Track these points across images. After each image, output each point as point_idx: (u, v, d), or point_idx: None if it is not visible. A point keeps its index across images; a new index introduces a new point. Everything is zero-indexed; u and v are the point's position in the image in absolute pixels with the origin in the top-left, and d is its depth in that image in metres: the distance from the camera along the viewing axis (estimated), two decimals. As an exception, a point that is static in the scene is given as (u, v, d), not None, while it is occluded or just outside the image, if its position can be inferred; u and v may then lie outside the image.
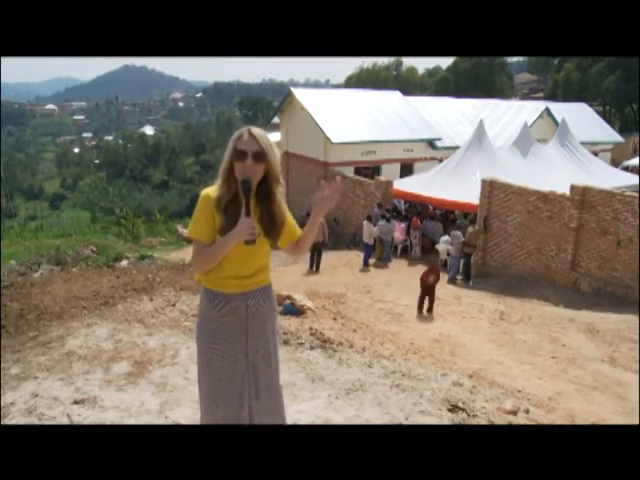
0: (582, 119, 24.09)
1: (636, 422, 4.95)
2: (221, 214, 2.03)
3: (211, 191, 2.07)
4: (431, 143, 19.67)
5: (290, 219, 2.21)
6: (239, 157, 2.02)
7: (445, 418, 3.21)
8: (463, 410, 3.38)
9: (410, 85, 46.71)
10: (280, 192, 2.16)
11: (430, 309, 8.92)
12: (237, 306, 2.12)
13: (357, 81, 48.16)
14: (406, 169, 19.03)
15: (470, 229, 11.57)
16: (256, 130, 2.07)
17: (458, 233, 11.53)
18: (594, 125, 25.39)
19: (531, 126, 18.43)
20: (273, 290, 2.29)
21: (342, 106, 18.93)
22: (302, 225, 2.25)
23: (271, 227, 2.13)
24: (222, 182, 2.06)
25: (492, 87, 43.37)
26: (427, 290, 8.89)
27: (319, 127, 17.47)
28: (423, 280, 8.99)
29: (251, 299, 2.15)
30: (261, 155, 2.03)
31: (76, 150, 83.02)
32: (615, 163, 22.52)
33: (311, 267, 12.50)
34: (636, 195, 9.48)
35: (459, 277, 11.54)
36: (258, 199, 2.11)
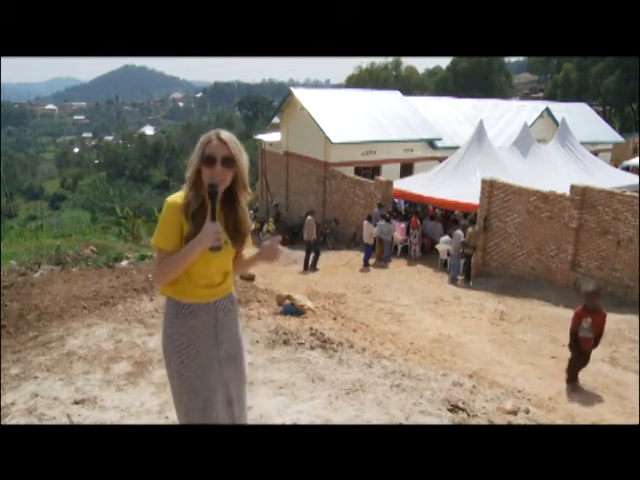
0: (582, 119, 24.08)
1: (636, 422, 4.95)
2: (189, 221, 1.96)
3: (177, 198, 1.99)
4: (431, 143, 19.67)
5: (249, 228, 2.18)
6: (208, 162, 1.95)
7: (445, 418, 3.21)
8: (463, 410, 3.38)
9: (410, 85, 46.74)
10: (246, 198, 2.12)
11: (572, 379, 5.98)
12: (206, 315, 2.06)
13: (357, 81, 48.20)
14: (406, 169, 19.03)
15: (470, 229, 11.57)
16: (225, 134, 2.01)
17: (459, 233, 11.53)
18: (594, 125, 25.38)
19: (531, 126, 18.43)
20: (235, 296, 2.25)
21: (342, 106, 18.93)
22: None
23: (237, 233, 2.08)
24: (189, 188, 1.99)
25: (491, 87, 43.41)
26: (586, 352, 5.91)
27: (319, 127, 17.47)
28: (575, 331, 5.87)
29: (219, 307, 2.10)
30: (230, 160, 1.97)
31: (76, 150, 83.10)
32: (615, 163, 22.52)
33: (305, 267, 12.52)
34: (636, 195, 9.48)
35: (459, 277, 11.54)
36: (224, 205, 2.06)
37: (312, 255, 12.58)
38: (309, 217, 12.89)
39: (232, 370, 2.16)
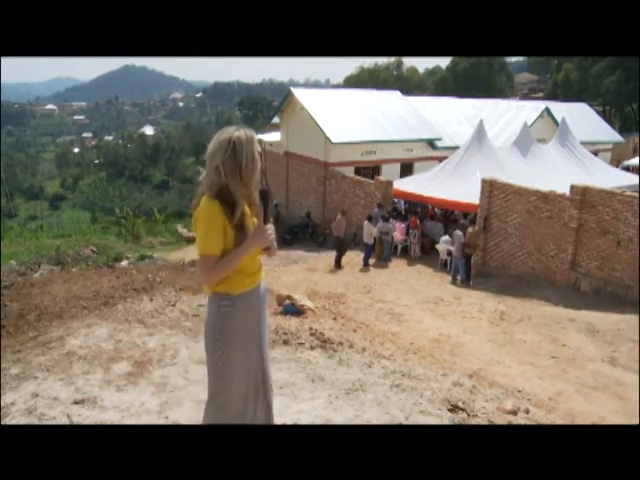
0: (582, 119, 24.08)
1: (636, 422, 4.95)
2: (235, 221, 2.03)
3: (215, 204, 2.00)
4: (431, 143, 19.67)
5: None
6: (261, 157, 2.10)
7: (445, 418, 3.21)
8: (463, 410, 3.38)
9: (410, 85, 46.75)
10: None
11: None
12: (253, 300, 2.18)
13: (357, 81, 48.22)
14: (406, 169, 19.03)
15: (470, 229, 11.57)
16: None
17: (460, 233, 11.53)
18: (594, 125, 25.38)
19: (531, 126, 18.43)
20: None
21: (342, 106, 18.93)
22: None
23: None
24: (241, 192, 2.04)
25: (492, 87, 43.43)
26: None
27: (319, 127, 17.47)
28: None
29: (259, 291, 2.22)
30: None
31: (76, 150, 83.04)
32: (615, 163, 22.52)
33: (337, 265, 12.68)
34: (636, 195, 9.47)
35: (458, 277, 11.54)
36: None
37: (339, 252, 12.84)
38: (339, 216, 13.31)
39: (267, 358, 2.30)
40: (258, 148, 2.07)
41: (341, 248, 12.82)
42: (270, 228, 2.06)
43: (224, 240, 2.02)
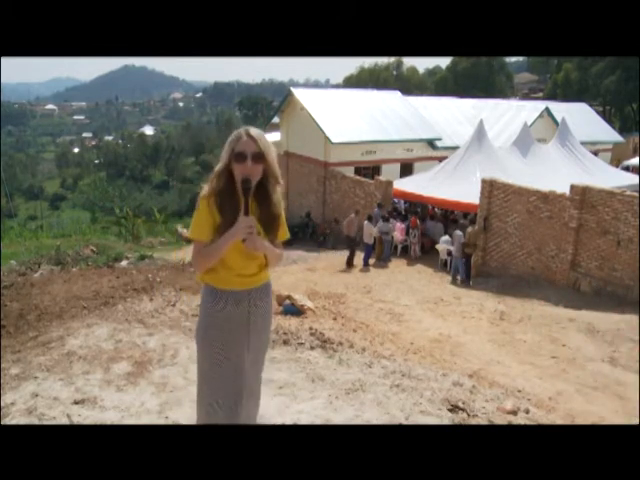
0: (582, 119, 24.08)
1: (636, 422, 4.95)
2: (219, 213, 2.06)
3: (208, 196, 2.09)
4: (431, 143, 19.67)
5: (283, 219, 2.24)
6: (238, 159, 2.03)
7: (445, 418, 3.21)
8: (463, 410, 3.38)
9: (410, 85, 46.74)
10: (278, 192, 2.19)
11: None
12: (240, 302, 2.16)
13: (357, 81, 48.21)
14: (406, 169, 19.03)
15: (470, 229, 11.57)
16: (254, 131, 2.08)
17: (459, 233, 11.53)
18: (594, 125, 25.38)
19: (531, 126, 18.43)
20: (271, 288, 2.33)
21: (342, 106, 18.93)
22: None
23: (270, 226, 2.16)
24: (216, 179, 2.08)
25: (492, 87, 43.43)
26: None
27: (319, 127, 17.47)
28: None
29: (253, 296, 2.19)
30: (260, 156, 2.05)
31: (76, 150, 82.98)
32: (615, 163, 22.52)
33: (349, 264, 12.64)
34: (636, 195, 9.47)
35: (458, 277, 11.54)
36: (257, 199, 2.13)
37: (349, 252, 12.85)
38: (352, 215, 13.26)
39: (255, 361, 2.27)
40: (242, 142, 2.04)
41: (351, 248, 12.81)
42: (248, 220, 2.01)
43: (214, 229, 2.07)
